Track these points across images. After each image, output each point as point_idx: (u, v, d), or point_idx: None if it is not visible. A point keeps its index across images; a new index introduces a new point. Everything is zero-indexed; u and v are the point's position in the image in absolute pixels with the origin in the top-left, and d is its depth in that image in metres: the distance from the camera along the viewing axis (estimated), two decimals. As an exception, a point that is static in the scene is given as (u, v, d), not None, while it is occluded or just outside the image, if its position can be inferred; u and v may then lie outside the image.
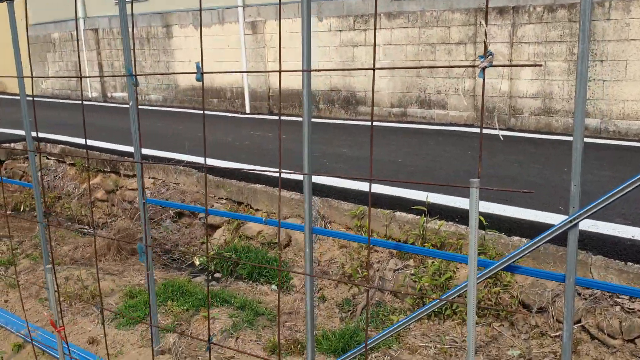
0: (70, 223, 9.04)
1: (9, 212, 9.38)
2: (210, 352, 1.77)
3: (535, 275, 3.04)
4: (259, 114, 14.43)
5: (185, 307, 5.34)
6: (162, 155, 9.09)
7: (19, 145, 10.69)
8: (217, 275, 6.74)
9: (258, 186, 7.31)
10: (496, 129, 10.27)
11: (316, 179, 7.19)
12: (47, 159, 10.48)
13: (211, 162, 8.54)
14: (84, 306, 5.65)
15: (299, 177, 3.75)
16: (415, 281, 5.42)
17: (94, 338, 5.02)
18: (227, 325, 5.03)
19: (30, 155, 4.70)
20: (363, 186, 6.88)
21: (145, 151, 9.48)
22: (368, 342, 3.55)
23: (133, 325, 5.16)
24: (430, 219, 5.71)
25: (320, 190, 6.82)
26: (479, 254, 5.27)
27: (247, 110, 14.61)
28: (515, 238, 5.16)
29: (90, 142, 10.33)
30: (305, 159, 3.17)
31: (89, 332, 5.14)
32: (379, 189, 6.70)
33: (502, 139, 9.61)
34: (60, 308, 5.48)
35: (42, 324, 5.37)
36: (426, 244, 5.63)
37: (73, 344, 4.99)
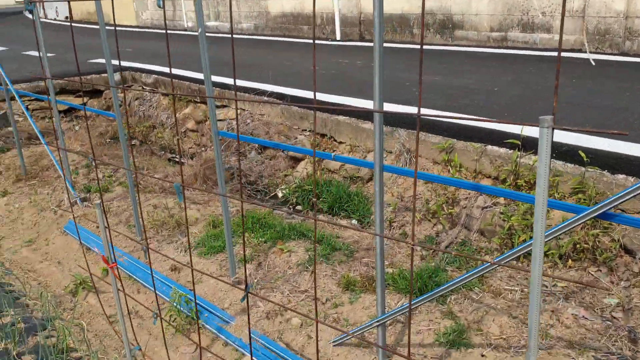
0: (163, 152, 9.32)
1: (108, 140, 9.81)
2: (247, 299, 1.61)
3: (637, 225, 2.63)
4: (349, 40, 13.95)
5: (263, 239, 5.33)
6: (247, 86, 9.02)
7: (117, 76, 11.03)
8: (298, 207, 6.70)
9: (341, 118, 7.06)
10: (585, 52, 9.23)
11: (404, 109, 6.81)
12: (143, 89, 10.77)
13: (291, 92, 8.37)
14: (170, 233, 5.81)
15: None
16: (504, 220, 5.05)
17: (175, 266, 5.16)
18: (303, 258, 4.97)
19: (112, 90, 4.73)
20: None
21: (227, 81, 9.45)
22: (448, 284, 3.32)
23: (213, 255, 5.24)
24: (524, 154, 5.24)
25: (407, 122, 6.46)
26: (575, 193, 4.78)
27: (338, 37, 14.16)
28: (621, 176, 4.61)
29: (181, 73, 10.45)
30: (376, 92, 2.87)
31: (173, 259, 5.28)
32: (469, 121, 6.24)
33: (593, 63, 8.63)
34: (146, 235, 5.67)
35: (129, 250, 5.60)
36: (518, 181, 5.20)
37: (157, 271, 5.16)
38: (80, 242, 5.71)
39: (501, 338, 3.81)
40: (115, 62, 7.82)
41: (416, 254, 5.20)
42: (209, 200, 6.62)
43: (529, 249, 3.49)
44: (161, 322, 2.39)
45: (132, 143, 9.67)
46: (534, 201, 1.14)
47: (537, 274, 1.22)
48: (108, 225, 2.70)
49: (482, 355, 3.64)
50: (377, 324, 3.64)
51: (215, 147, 4.43)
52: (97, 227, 6.05)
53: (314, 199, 6.57)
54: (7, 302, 4.62)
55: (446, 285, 3.36)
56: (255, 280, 4.67)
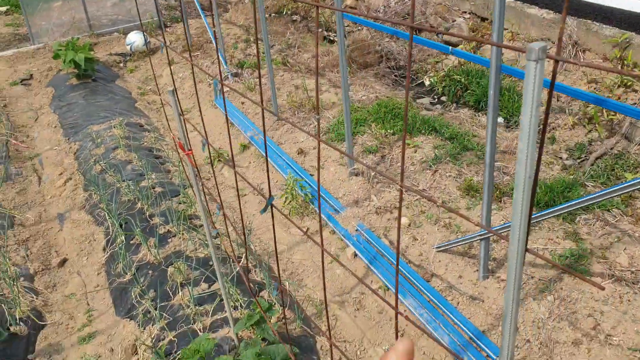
0: (320, 29, 9.19)
1: (272, 14, 9.90)
2: (272, 210, 1.52)
3: None
4: None
5: (391, 131, 5.12)
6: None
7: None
8: (442, 98, 6.27)
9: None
10: None
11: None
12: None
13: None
14: (305, 116, 5.85)
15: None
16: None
17: (302, 149, 5.22)
18: (429, 156, 4.71)
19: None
20: (635, 5, 5.35)
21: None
22: (575, 201, 2.90)
23: (340, 142, 5.19)
24: None
25: (577, 8, 5.53)
26: None
27: None
28: None
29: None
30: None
31: (301, 142, 5.35)
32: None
33: None
34: (280, 115, 5.75)
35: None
36: None
37: (285, 152, 5.27)
38: (226, 117, 6.01)
39: (629, 271, 3.33)
40: None
41: (558, 163, 4.65)
42: (350, 85, 6.47)
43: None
44: (271, 209, 2.40)
45: (293, 19, 9.65)
46: None
47: None
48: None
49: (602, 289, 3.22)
50: (479, 238, 3.38)
51: (338, 28, 4.19)
52: (242, 103, 6.28)
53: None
54: (151, 166, 5.10)
55: (570, 203, 2.94)
56: (373, 174, 4.56)
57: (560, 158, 4.77)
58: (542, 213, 3.14)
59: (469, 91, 6.00)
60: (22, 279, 3.97)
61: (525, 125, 0.82)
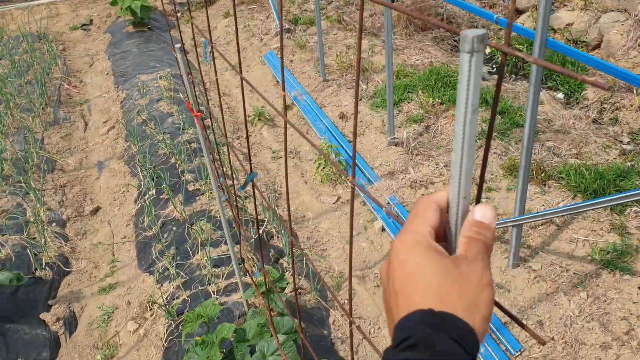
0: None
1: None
2: (287, 197, 1.42)
3: None
4: None
5: (439, 100, 4.85)
6: None
7: None
8: (501, 68, 5.88)
9: (579, -37, 5.73)
10: None
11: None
12: None
13: None
14: (354, 78, 5.63)
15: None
16: None
17: (344, 113, 5.04)
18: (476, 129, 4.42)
19: None
20: None
21: None
22: (624, 194, 2.62)
23: (383, 109, 4.97)
24: None
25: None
26: None
27: None
28: None
29: None
30: None
31: (345, 107, 5.16)
32: None
33: None
34: (325, 77, 5.56)
35: (309, 89, 5.60)
36: None
37: (326, 115, 5.11)
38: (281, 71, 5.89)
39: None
40: None
41: (616, 147, 4.27)
42: (404, 48, 6.17)
43: None
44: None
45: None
46: None
47: None
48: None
49: (639, 288, 2.96)
50: (512, 224, 3.15)
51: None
52: (291, 61, 6.12)
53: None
54: (190, 121, 5.06)
55: (622, 194, 2.66)
56: (413, 145, 4.34)
57: (620, 142, 4.38)
58: (582, 204, 2.88)
59: (527, 63, 5.60)
60: (54, 224, 4.05)
61: (458, 134, 0.65)
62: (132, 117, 5.28)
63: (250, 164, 1.50)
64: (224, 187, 2.77)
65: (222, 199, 2.69)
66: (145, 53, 6.73)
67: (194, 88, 2.37)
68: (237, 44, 1.26)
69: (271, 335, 2.61)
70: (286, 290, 3.20)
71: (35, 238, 3.81)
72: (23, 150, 4.78)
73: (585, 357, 2.72)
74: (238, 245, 3.30)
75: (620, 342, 2.74)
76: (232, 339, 2.87)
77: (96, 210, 4.34)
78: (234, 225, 3.80)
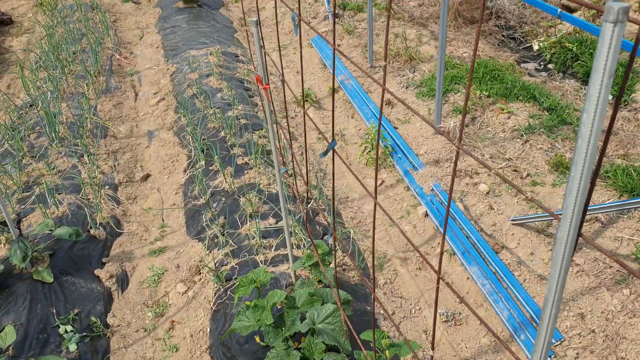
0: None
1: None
2: (333, 154, 1.49)
3: None
4: None
5: (487, 93, 4.87)
6: None
7: None
8: (549, 66, 5.87)
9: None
10: None
11: None
12: None
13: None
14: (400, 66, 5.68)
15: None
16: None
17: (390, 100, 5.10)
18: (522, 124, 4.46)
19: None
20: None
21: None
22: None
23: (430, 98, 5.02)
24: None
25: None
26: None
27: None
28: None
29: None
30: None
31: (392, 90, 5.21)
32: None
33: None
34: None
35: (357, 75, 5.66)
36: None
37: (372, 101, 5.17)
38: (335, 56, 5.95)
39: None
40: None
41: (665, 151, 4.26)
42: (452, 39, 6.18)
43: None
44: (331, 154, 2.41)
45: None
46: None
47: None
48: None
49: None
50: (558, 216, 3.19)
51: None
52: (338, 45, 6.19)
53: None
54: (240, 97, 5.17)
55: None
56: (457, 136, 4.38)
57: (669, 146, 4.36)
58: (629, 201, 2.91)
59: (579, 61, 5.58)
60: (106, 187, 4.21)
61: (592, 96, 0.72)
62: (182, 89, 5.41)
63: (333, 131, 1.58)
64: (284, 159, 2.87)
65: (282, 170, 2.79)
66: (195, 29, 6.85)
67: (264, 59, 2.46)
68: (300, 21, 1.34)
69: (321, 304, 2.71)
70: (331, 265, 3.30)
71: (89, 199, 3.97)
72: (78, 115, 4.94)
73: (626, 350, 2.77)
74: (290, 217, 3.40)
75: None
76: (279, 307, 2.99)
77: (146, 177, 4.49)
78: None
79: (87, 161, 4.34)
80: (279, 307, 2.99)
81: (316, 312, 2.66)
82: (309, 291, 2.78)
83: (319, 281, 3.04)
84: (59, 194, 3.94)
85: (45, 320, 3.03)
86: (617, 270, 3.16)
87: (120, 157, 4.67)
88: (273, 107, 2.56)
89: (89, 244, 3.62)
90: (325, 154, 1.79)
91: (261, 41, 2.39)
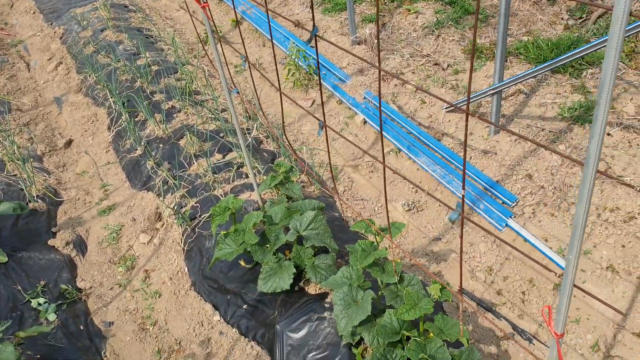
0: None
1: None
2: (316, 40, 1.49)
3: None
4: None
5: (391, -2, 4.98)
6: None
7: None
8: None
9: None
10: None
11: None
12: None
13: None
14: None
15: None
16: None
17: (299, 21, 5.07)
18: (430, 21, 4.62)
19: None
20: None
21: None
22: (582, 48, 2.90)
23: (337, 12, 5.04)
24: None
25: None
26: None
27: None
28: None
29: None
30: None
31: (297, 15, 5.19)
32: None
33: None
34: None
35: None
36: None
37: (281, 26, 5.12)
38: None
39: (635, 119, 3.41)
40: None
41: (561, 23, 4.60)
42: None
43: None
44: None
45: None
46: None
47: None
48: None
49: (608, 134, 3.32)
50: (493, 91, 3.41)
51: None
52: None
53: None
54: (144, 45, 4.93)
55: (575, 51, 2.96)
56: (375, 42, 4.47)
57: (562, 19, 4.71)
58: (543, 65, 3.17)
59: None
60: (31, 160, 3.94)
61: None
62: (79, 49, 5.07)
63: (314, 21, 1.58)
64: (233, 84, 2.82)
65: (234, 92, 2.75)
66: (71, -14, 6.36)
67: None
68: None
69: (300, 214, 2.76)
70: (294, 180, 3.34)
71: (15, 175, 3.71)
72: (-28, 94, 4.53)
73: (574, 196, 3.07)
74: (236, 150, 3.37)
75: (601, 179, 3.11)
76: (257, 229, 3.01)
77: (69, 142, 4.24)
78: (221, 135, 3.85)
79: (0, 138, 4.02)
80: (257, 228, 3.01)
81: (298, 222, 2.72)
82: (284, 206, 2.82)
83: (288, 197, 3.08)
84: (-20, 175, 3.65)
85: (12, 298, 2.87)
86: (550, 131, 3.45)
87: (34, 129, 4.36)
88: (215, 25, 2.49)
89: (32, 217, 3.41)
90: (309, 41, 1.80)
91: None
